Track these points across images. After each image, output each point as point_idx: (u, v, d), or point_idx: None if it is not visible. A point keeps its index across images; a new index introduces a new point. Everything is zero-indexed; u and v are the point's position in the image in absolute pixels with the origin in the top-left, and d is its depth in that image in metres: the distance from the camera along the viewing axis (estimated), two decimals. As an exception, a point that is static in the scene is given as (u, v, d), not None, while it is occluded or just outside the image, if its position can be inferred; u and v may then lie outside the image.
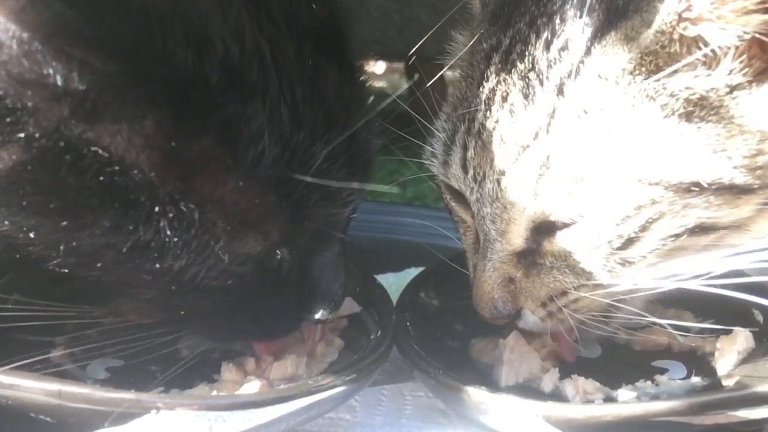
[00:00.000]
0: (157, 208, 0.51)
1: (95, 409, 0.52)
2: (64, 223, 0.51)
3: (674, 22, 0.53)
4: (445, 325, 0.75)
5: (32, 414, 0.53)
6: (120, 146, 0.49)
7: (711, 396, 0.58)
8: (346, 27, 0.61)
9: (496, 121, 0.60)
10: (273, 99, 0.53)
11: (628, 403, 0.61)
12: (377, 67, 2.61)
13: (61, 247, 0.52)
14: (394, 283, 0.81)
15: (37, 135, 0.47)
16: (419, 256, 0.84)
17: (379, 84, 2.46)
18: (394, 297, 0.76)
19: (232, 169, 0.52)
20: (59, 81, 0.46)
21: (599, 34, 0.57)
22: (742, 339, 0.67)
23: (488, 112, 0.61)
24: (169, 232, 0.51)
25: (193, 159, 0.51)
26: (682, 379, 0.65)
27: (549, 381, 0.65)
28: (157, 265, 0.53)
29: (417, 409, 0.68)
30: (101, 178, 0.49)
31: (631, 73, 0.55)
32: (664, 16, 0.54)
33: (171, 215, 0.51)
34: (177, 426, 0.53)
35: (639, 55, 0.55)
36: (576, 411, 0.57)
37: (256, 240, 0.56)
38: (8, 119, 0.47)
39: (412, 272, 0.84)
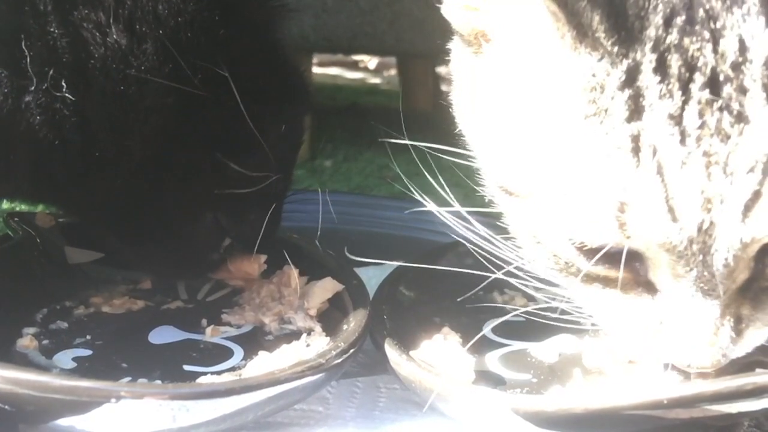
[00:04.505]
0: None
1: (53, 397, 0.51)
2: None
3: None
4: (423, 317, 0.74)
5: (-8, 402, 0.52)
6: None
7: (684, 390, 0.57)
8: None
9: None
10: None
11: (599, 395, 0.59)
12: (370, 62, 2.62)
13: None
14: (374, 276, 0.81)
15: None
16: (401, 250, 0.84)
17: (373, 80, 2.49)
18: (375, 290, 0.75)
19: None
20: None
21: None
22: None
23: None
24: None
25: None
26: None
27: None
28: None
29: (391, 402, 0.68)
30: None
31: None
32: None
33: None
34: (139, 415, 0.52)
35: None
36: (545, 403, 0.56)
37: None
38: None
39: (394, 266, 0.83)
